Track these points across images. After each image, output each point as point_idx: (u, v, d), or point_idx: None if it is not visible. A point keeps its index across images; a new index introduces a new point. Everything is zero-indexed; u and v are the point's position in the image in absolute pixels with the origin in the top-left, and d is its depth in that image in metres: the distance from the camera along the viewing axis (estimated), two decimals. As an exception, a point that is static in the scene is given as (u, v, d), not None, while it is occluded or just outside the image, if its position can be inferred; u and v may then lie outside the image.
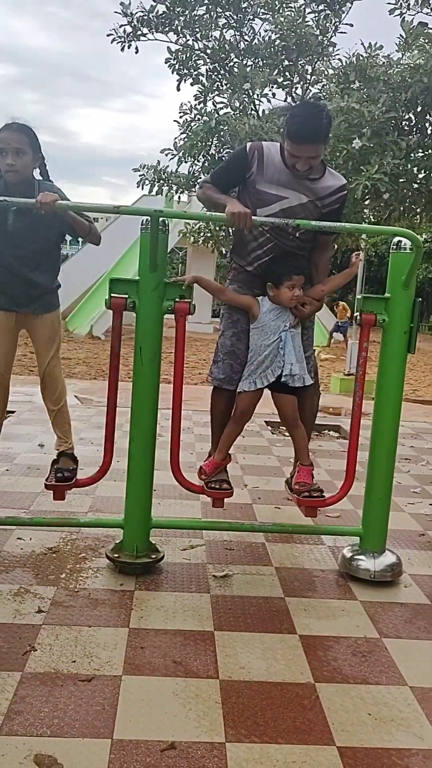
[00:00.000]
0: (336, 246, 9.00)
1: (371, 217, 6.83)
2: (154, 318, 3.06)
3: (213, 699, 2.23)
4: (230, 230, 3.30)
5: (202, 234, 7.30)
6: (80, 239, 3.57)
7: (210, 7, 5.72)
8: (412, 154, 5.53)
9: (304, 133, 2.88)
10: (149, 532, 3.24)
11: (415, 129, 5.59)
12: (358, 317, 3.18)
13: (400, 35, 5.14)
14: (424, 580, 3.33)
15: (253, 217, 2.88)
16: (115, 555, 3.17)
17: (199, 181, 3.25)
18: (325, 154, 4.96)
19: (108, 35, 5.94)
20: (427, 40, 4.86)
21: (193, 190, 5.66)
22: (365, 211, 6.53)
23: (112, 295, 3.03)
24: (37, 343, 3.42)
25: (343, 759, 1.98)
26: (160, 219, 2.88)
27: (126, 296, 3.04)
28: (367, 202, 6.19)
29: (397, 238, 3.14)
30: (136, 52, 6.06)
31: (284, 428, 3.57)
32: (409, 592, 3.18)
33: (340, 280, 3.45)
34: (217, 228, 6.59)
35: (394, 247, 3.15)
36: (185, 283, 3.07)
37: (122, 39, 5.92)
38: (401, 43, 5.18)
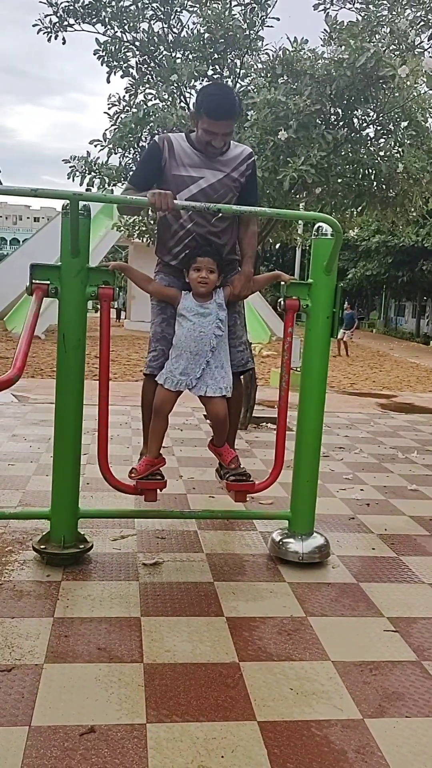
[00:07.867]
0: (271, 240, 9.11)
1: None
2: (77, 304, 3.02)
3: (136, 682, 2.21)
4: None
5: (137, 228, 7.25)
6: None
7: (137, -3, 5.68)
8: (340, 149, 5.63)
9: (223, 110, 3.01)
10: (77, 522, 3.19)
11: (342, 123, 5.69)
12: (282, 303, 3.21)
13: (324, 30, 5.22)
14: (352, 560, 3.39)
15: (175, 201, 2.88)
16: (42, 546, 3.11)
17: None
18: (253, 146, 5.00)
19: (34, 26, 5.84)
20: (349, 35, 4.94)
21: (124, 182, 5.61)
22: (300, 206, 6.60)
23: (33, 281, 2.98)
24: None
25: (263, 732, 1.99)
26: (80, 203, 2.85)
27: (48, 282, 2.99)
28: (298, 197, 6.27)
29: (318, 224, 3.19)
30: (63, 44, 5.97)
31: None
32: (337, 572, 3.23)
33: (268, 277, 3.41)
34: (152, 221, 6.55)
35: (316, 233, 3.19)
36: (109, 269, 3.04)
37: (48, 30, 5.82)
38: (326, 37, 5.26)
